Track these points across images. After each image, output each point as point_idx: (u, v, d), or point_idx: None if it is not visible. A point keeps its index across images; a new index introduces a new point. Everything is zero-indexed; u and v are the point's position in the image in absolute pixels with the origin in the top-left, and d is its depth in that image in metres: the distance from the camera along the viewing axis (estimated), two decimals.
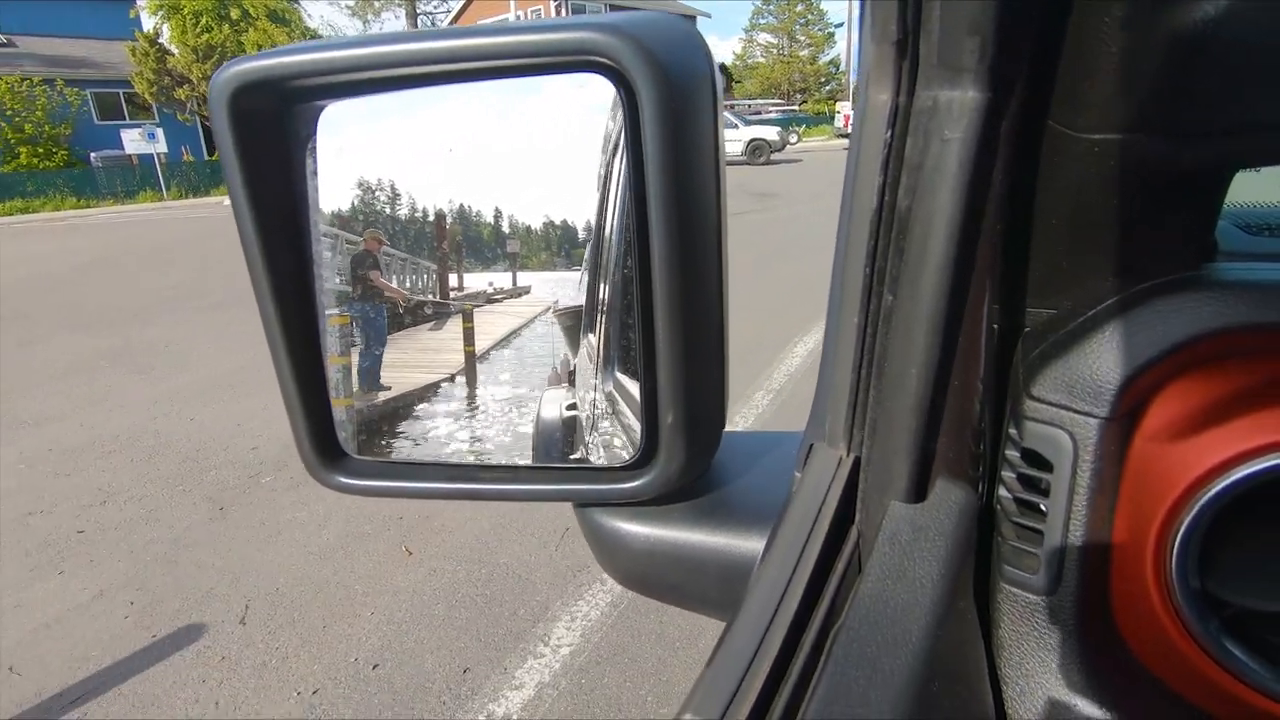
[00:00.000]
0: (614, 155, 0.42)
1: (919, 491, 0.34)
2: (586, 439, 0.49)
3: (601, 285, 0.46)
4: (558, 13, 33.00)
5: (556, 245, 0.47)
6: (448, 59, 0.38)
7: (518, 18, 31.52)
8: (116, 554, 3.04)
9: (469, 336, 0.49)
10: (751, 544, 0.43)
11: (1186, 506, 0.33)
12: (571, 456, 0.49)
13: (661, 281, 0.38)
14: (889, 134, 0.30)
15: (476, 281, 0.48)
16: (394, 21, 39.93)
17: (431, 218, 0.46)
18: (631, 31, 0.34)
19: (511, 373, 0.50)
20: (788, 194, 13.85)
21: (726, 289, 0.41)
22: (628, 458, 0.46)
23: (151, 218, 17.79)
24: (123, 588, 2.80)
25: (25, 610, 2.71)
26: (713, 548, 0.44)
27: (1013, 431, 0.36)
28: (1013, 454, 0.36)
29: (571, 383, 0.49)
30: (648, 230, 0.37)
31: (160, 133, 20.84)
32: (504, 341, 0.50)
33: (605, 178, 0.43)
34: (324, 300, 0.47)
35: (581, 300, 0.48)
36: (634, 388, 0.46)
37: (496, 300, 0.48)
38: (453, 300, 0.48)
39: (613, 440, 0.48)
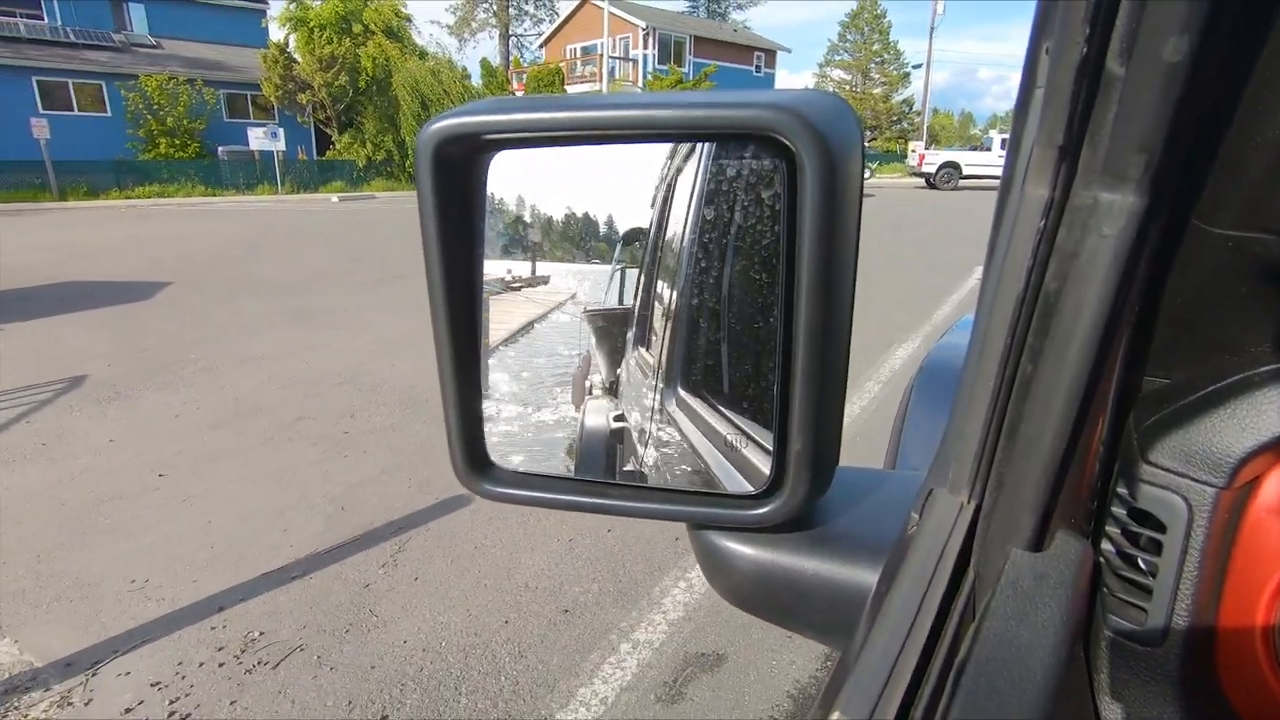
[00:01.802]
0: (683, 164, 0.44)
1: (1039, 541, 0.35)
2: (642, 455, 0.50)
3: (661, 301, 0.48)
4: (645, 41, 34.53)
5: (577, 237, 0.48)
6: (634, 126, 0.42)
7: (611, 44, 33.00)
8: (380, 449, 4.00)
9: (484, 326, 0.51)
10: (861, 576, 0.46)
11: None
12: (624, 469, 0.51)
13: (805, 332, 0.40)
14: (1042, 223, 0.32)
15: (495, 269, 0.49)
16: (489, 42, 42.31)
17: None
18: (799, 109, 0.38)
19: (523, 364, 0.52)
20: (868, 225, 14.51)
21: (851, 337, 0.44)
22: (697, 482, 0.49)
23: (270, 208, 19.60)
24: (397, 470, 3.74)
25: (332, 477, 3.67)
26: (823, 577, 0.47)
27: (1123, 491, 0.37)
28: (1120, 512, 0.38)
29: (614, 393, 0.51)
30: (796, 286, 0.40)
31: (281, 132, 22.95)
32: (521, 331, 0.51)
33: (669, 189, 0.45)
34: (486, 322, 0.50)
35: (611, 302, 0.49)
36: (703, 409, 0.48)
37: (515, 289, 0.50)
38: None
39: (678, 462, 0.49)
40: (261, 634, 2.50)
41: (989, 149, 27.63)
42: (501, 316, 0.50)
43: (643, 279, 0.48)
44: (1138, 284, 0.32)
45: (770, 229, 0.41)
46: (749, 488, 0.46)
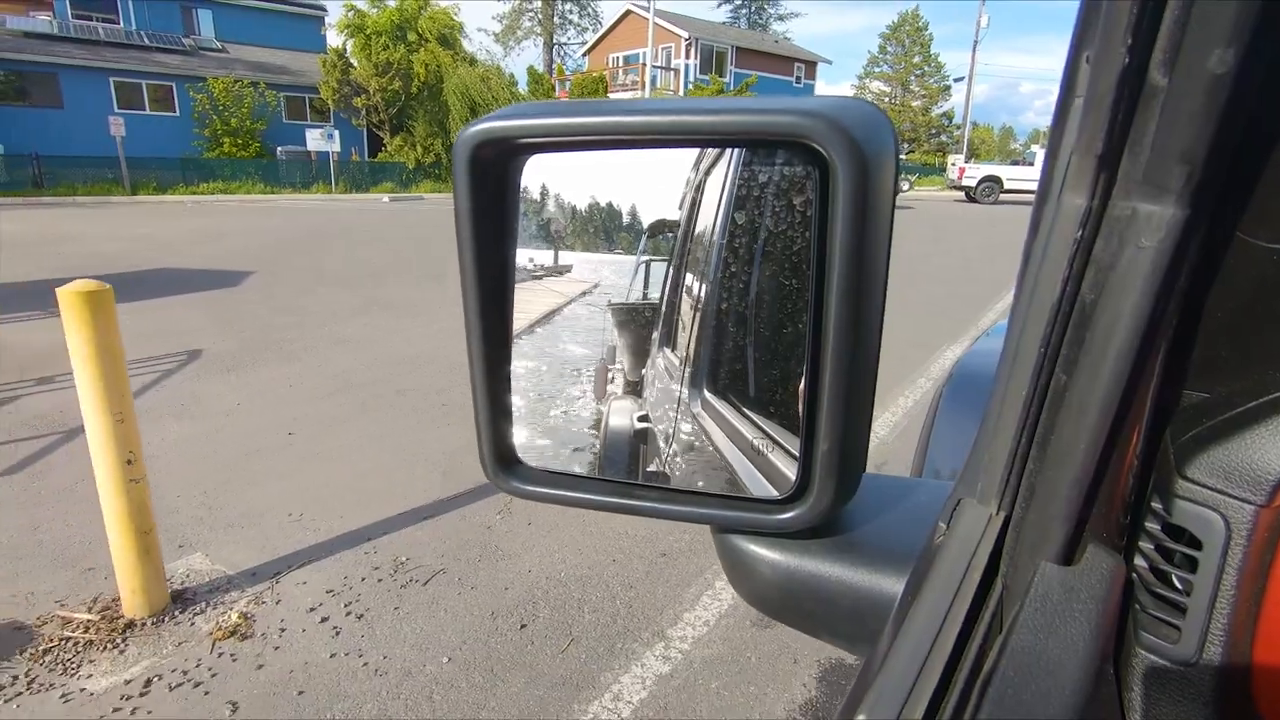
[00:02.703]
0: (711, 168, 0.44)
1: (1070, 555, 0.35)
2: (666, 456, 0.50)
3: (688, 302, 0.48)
4: (688, 54, 35.06)
5: (601, 228, 0.48)
6: (668, 131, 0.42)
7: (653, 53, 33.54)
8: None
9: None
10: (886, 585, 0.45)
11: None
12: (648, 469, 0.51)
13: (834, 339, 0.40)
14: (1079, 234, 0.31)
15: (518, 257, 0.49)
16: (533, 50, 43.24)
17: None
18: (833, 116, 0.38)
19: (543, 356, 0.52)
20: (908, 235, 14.79)
21: (881, 342, 0.43)
22: (727, 486, 0.49)
23: (327, 206, 20.47)
24: None
25: (441, 440, 4.12)
26: (848, 584, 0.46)
27: (1158, 506, 0.36)
28: (1154, 527, 0.37)
29: (637, 392, 0.51)
30: (826, 293, 0.40)
31: (337, 134, 23.92)
32: (541, 321, 0.51)
33: (698, 191, 0.45)
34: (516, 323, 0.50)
35: (635, 295, 0.49)
36: (729, 412, 0.48)
37: (538, 277, 0.50)
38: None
39: (703, 464, 0.49)
40: (408, 559, 2.94)
41: (1031, 164, 27.53)
42: (522, 305, 0.50)
43: (669, 278, 0.49)
44: (1176, 296, 0.32)
45: (801, 235, 0.41)
46: (774, 492, 0.46)
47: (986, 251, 12.65)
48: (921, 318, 6.95)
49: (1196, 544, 0.35)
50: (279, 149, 25.13)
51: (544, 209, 0.49)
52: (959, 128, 46.84)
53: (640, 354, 0.51)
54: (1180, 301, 0.34)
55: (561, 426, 0.53)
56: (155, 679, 2.26)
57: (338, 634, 2.49)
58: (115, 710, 2.13)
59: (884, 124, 0.40)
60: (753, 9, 51.99)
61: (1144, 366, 0.32)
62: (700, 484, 0.50)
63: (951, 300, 8.04)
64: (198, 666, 2.32)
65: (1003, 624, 0.36)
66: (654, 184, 0.45)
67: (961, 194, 27.86)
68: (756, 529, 0.48)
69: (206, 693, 2.21)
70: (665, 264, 0.48)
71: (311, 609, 2.62)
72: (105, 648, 2.39)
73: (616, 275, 0.50)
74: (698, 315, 0.47)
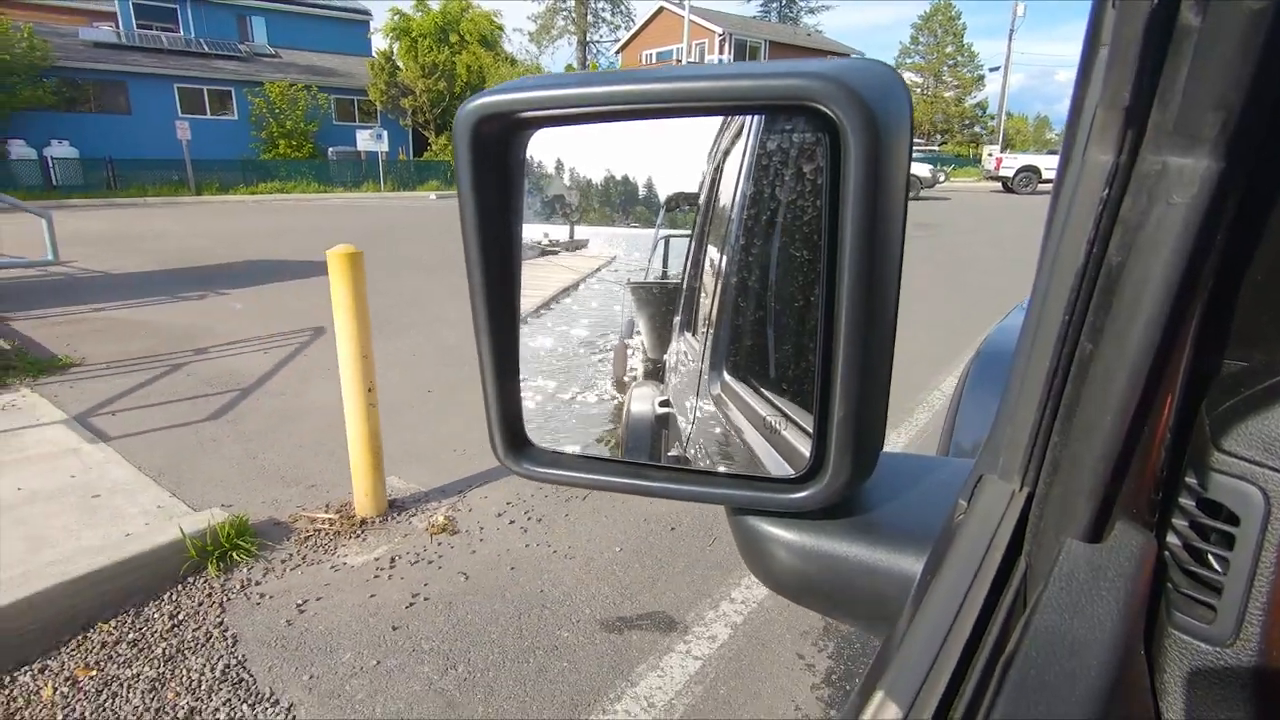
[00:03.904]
0: (732, 145, 0.43)
1: (1097, 532, 0.34)
2: (686, 440, 0.50)
3: (707, 282, 0.47)
4: (721, 49, 35.42)
5: (617, 201, 0.47)
6: (671, 100, 0.41)
7: (687, 49, 33.91)
8: None
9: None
10: (905, 564, 0.44)
11: None
12: (669, 454, 0.51)
13: (848, 312, 0.39)
14: (1106, 192, 0.30)
15: (532, 233, 0.48)
16: (567, 49, 43.95)
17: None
18: (843, 78, 0.36)
19: (558, 334, 0.51)
20: (948, 225, 15.12)
21: (897, 316, 0.42)
22: (758, 469, 0.47)
23: (379, 204, 21.36)
24: None
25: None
26: (865, 563, 0.45)
27: (1192, 481, 0.35)
28: (1188, 503, 0.35)
29: (659, 376, 0.50)
30: (839, 264, 0.38)
31: (385, 134, 24.87)
32: (556, 298, 0.51)
33: (718, 169, 0.44)
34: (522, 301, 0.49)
35: (655, 272, 0.48)
36: (749, 395, 0.47)
37: (552, 252, 0.49)
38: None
39: (722, 446, 0.49)
40: None
41: None
42: (535, 282, 0.49)
43: (690, 258, 0.48)
44: (1212, 257, 0.30)
45: (812, 204, 0.40)
46: (790, 471, 0.45)
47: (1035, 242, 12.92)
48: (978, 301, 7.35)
49: (1234, 519, 0.33)
50: (330, 149, 26.23)
51: (554, 184, 0.48)
52: (993, 118, 46.43)
53: (660, 334, 0.50)
54: (1216, 263, 0.31)
55: (579, 410, 0.53)
56: (396, 557, 2.88)
57: (525, 531, 3.09)
58: (375, 576, 2.76)
59: (897, 84, 0.39)
60: (783, 2, 52.08)
61: (1176, 333, 0.30)
62: (715, 465, 0.50)
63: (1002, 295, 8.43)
64: (425, 550, 2.94)
65: (1026, 603, 0.35)
66: (670, 157, 0.45)
67: (998, 185, 27.85)
68: (771, 509, 0.47)
69: (439, 568, 2.82)
70: (685, 240, 0.47)
71: (499, 514, 3.23)
72: (349, 537, 3.02)
73: (634, 249, 0.48)
74: (717, 296, 0.47)
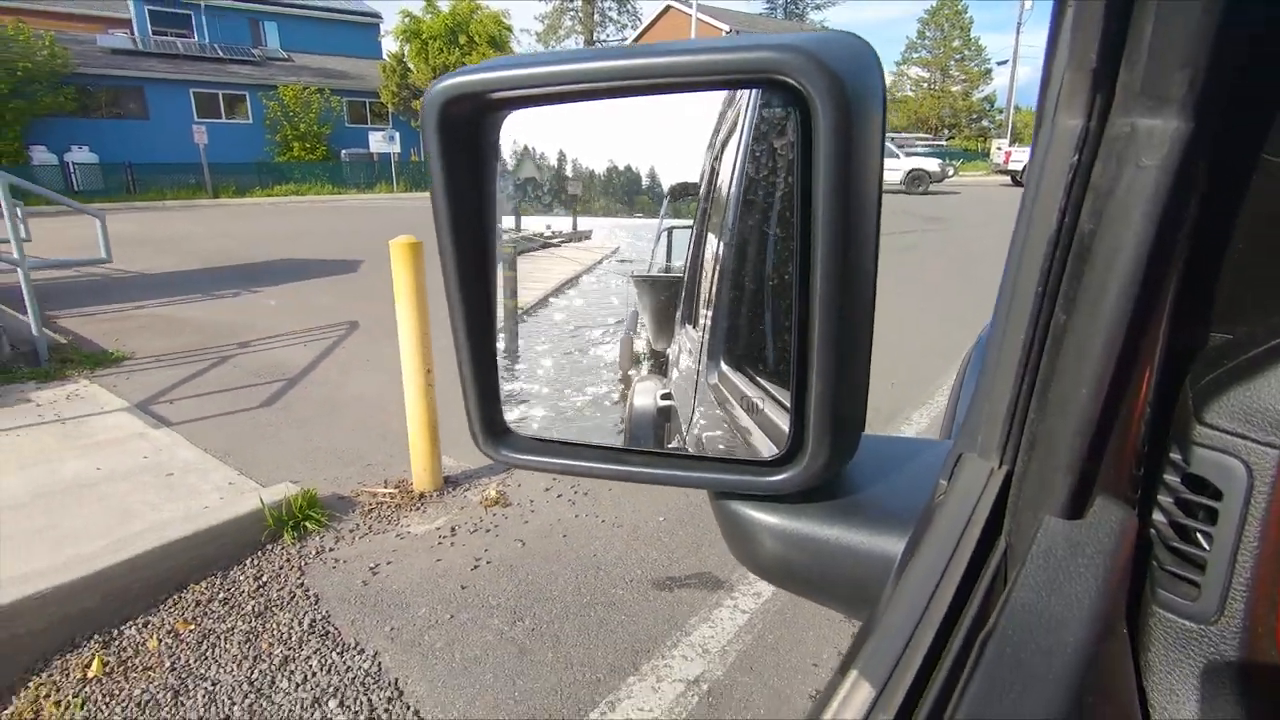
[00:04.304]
0: (728, 139, 0.42)
1: (1077, 509, 0.33)
2: (686, 431, 0.50)
3: (704, 271, 0.47)
4: None
5: (619, 191, 0.46)
6: (637, 76, 0.40)
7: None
8: None
9: (510, 287, 0.49)
10: (886, 546, 0.44)
11: None
12: (669, 445, 0.52)
13: (822, 288, 0.38)
14: (1075, 158, 0.29)
15: (534, 224, 0.48)
16: (574, 48, 44.13)
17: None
18: (811, 50, 0.35)
19: (562, 327, 0.51)
20: (956, 219, 15.24)
21: (875, 295, 0.41)
22: (756, 452, 0.47)
23: (393, 205, 21.61)
24: None
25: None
26: (847, 546, 0.45)
27: (1175, 455, 0.34)
28: (1172, 478, 0.34)
29: (661, 370, 0.51)
30: (811, 239, 0.38)
31: (398, 136, 25.16)
32: (557, 291, 0.50)
33: (717, 157, 0.43)
34: (499, 286, 0.49)
35: (659, 264, 0.48)
36: (744, 384, 0.47)
37: (554, 244, 0.49)
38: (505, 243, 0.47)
39: (723, 437, 0.49)
40: None
41: None
42: (538, 274, 0.49)
43: (691, 251, 0.48)
44: (1188, 224, 0.29)
45: (784, 180, 0.39)
46: (774, 451, 0.45)
47: None
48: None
49: (1217, 494, 0.32)
50: (343, 151, 26.54)
51: (526, 167, 0.47)
52: (1000, 112, 46.30)
53: (663, 326, 0.50)
54: (1194, 230, 0.31)
55: (586, 403, 0.53)
56: (456, 527, 3.09)
57: (573, 504, 3.29)
58: (439, 543, 2.96)
59: (869, 57, 0.38)
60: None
61: (1151, 303, 0.29)
62: (699, 449, 0.50)
63: None
64: (482, 521, 3.14)
65: (1006, 581, 0.34)
66: (672, 147, 0.44)
67: (1007, 178, 27.87)
68: (750, 492, 0.47)
69: (497, 536, 3.03)
70: (688, 232, 0.47)
71: (546, 489, 3.43)
72: (410, 510, 3.23)
73: (635, 239, 0.48)
74: (714, 287, 0.47)
